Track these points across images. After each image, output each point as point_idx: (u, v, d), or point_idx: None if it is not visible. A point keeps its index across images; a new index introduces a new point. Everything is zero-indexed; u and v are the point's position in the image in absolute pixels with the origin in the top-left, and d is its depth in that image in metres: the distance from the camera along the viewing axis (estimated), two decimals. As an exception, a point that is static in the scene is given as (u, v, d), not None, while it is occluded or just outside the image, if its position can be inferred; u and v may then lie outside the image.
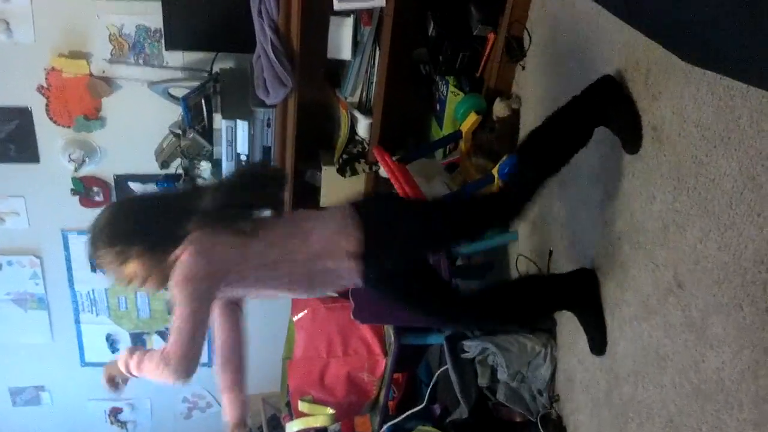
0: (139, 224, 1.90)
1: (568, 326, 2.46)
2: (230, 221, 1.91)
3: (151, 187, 3.55)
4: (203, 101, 3.10)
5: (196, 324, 1.80)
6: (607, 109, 2.06)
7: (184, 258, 1.83)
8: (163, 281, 1.90)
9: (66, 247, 3.75)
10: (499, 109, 2.89)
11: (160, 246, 1.87)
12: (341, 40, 2.90)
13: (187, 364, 1.80)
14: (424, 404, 3.00)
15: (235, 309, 2.18)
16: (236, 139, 3.06)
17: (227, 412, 2.21)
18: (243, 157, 3.10)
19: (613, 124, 2.06)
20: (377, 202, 2.24)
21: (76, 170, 3.41)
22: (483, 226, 2.32)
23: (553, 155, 2.12)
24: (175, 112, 3.23)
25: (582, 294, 2.29)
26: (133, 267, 1.90)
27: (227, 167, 3.14)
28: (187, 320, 1.78)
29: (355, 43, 2.91)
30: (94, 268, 3.47)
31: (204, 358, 4.37)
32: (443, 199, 2.53)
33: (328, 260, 1.95)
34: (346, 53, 2.93)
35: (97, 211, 3.49)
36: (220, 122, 3.06)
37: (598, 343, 2.25)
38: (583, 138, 2.11)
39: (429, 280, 2.24)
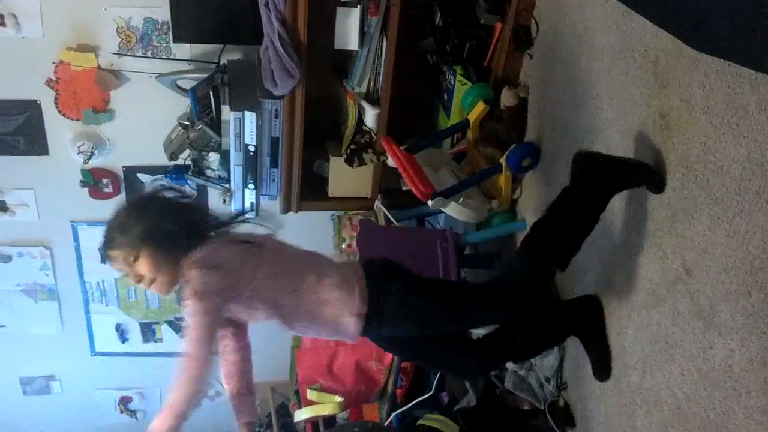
0: (154, 226, 1.92)
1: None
2: (241, 236, 2.01)
3: (162, 181, 3.57)
4: (211, 93, 3.10)
5: (209, 337, 1.86)
6: (611, 186, 2.04)
7: (196, 273, 1.87)
8: (169, 285, 1.95)
9: (75, 239, 3.77)
10: (507, 98, 2.89)
11: (171, 250, 1.91)
12: (348, 31, 2.90)
13: (204, 367, 1.85)
14: (432, 392, 3.01)
15: (242, 326, 2.18)
16: (244, 131, 3.07)
17: (240, 414, 2.20)
18: (251, 148, 3.11)
19: (631, 184, 2.04)
20: (389, 276, 2.10)
21: (85, 162, 3.42)
22: (490, 318, 2.22)
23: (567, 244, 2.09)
24: (183, 104, 3.24)
25: (587, 322, 2.30)
26: (142, 267, 1.92)
27: (235, 158, 3.15)
28: (199, 335, 1.84)
29: (362, 34, 2.91)
30: (103, 260, 3.49)
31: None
32: (459, 285, 2.53)
33: (333, 310, 1.98)
34: (353, 44, 2.93)
35: (107, 202, 3.59)
36: (228, 113, 3.06)
37: (602, 369, 2.26)
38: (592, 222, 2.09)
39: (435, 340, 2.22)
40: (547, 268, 2.14)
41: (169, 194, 2.05)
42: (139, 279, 1.95)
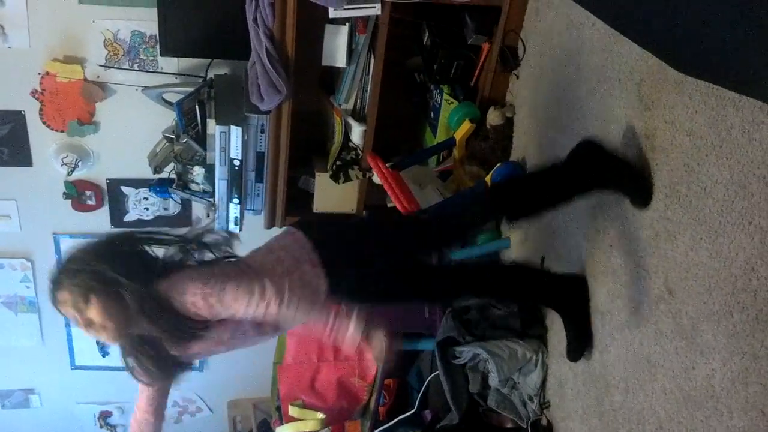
0: (107, 270, 1.75)
1: (560, 333, 2.47)
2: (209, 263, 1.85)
3: (144, 192, 3.57)
4: (197, 106, 3.10)
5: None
6: (599, 178, 2.05)
7: (198, 296, 1.74)
8: (118, 334, 1.80)
9: (57, 251, 3.73)
10: (493, 117, 2.91)
11: (123, 298, 1.75)
12: (336, 48, 2.91)
13: None
14: (414, 410, 3.01)
15: (162, 405, 2.11)
16: (230, 145, 3.07)
17: None
18: (236, 162, 3.11)
19: (617, 187, 2.04)
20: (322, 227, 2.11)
21: (68, 174, 3.40)
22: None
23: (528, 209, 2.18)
24: (169, 117, 3.24)
25: (571, 298, 2.30)
26: (92, 312, 1.76)
27: (220, 172, 3.14)
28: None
29: (350, 51, 2.93)
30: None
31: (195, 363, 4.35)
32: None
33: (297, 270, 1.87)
34: (341, 61, 2.94)
35: (89, 215, 3.57)
36: (213, 128, 3.06)
37: (575, 350, 2.29)
38: (564, 202, 2.18)
39: (401, 270, 2.16)
40: (502, 205, 2.19)
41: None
42: (89, 324, 1.78)
